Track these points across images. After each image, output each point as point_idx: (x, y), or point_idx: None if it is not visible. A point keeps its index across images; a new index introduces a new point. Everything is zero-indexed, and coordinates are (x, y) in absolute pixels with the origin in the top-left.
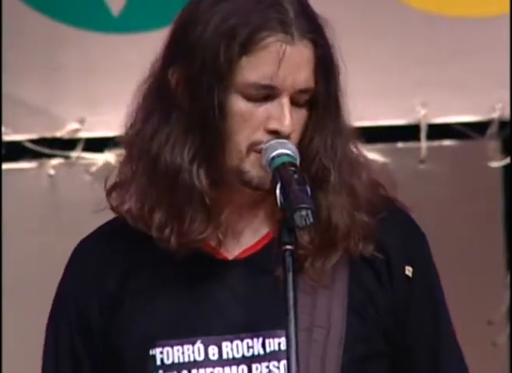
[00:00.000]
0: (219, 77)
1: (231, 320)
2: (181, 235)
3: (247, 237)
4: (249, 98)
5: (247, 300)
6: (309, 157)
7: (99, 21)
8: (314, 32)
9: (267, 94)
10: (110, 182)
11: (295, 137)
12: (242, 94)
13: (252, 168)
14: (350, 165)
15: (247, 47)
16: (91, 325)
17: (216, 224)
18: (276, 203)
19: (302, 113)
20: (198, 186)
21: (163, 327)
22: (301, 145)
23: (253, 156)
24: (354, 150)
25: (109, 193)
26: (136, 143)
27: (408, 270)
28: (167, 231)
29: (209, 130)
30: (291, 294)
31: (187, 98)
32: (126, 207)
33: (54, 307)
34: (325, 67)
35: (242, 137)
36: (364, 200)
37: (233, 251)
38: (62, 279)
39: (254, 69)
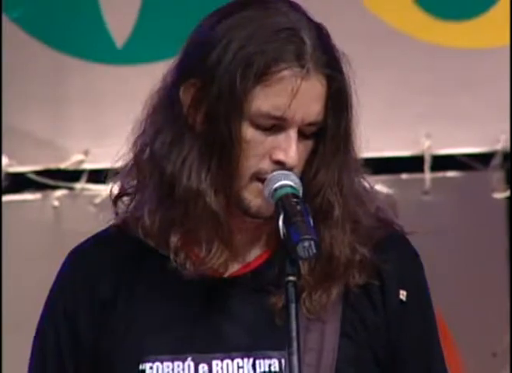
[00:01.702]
0: (234, 104)
1: (223, 338)
2: (198, 261)
3: (245, 255)
4: (258, 126)
5: (241, 319)
6: (314, 190)
7: (103, 52)
8: (330, 66)
9: (276, 124)
10: (115, 188)
11: (298, 166)
12: (252, 122)
13: (252, 196)
14: (356, 200)
15: (263, 77)
16: (80, 333)
17: (231, 249)
18: (278, 229)
19: (307, 144)
20: (216, 211)
21: (154, 341)
22: (306, 178)
23: (254, 185)
24: (361, 183)
25: (115, 200)
26: (146, 157)
27: (402, 295)
28: (182, 255)
29: (224, 156)
30: (294, 326)
31: (201, 121)
32: (136, 219)
33: (43, 315)
34: (337, 101)
35: (247, 165)
36: (366, 232)
37: (230, 268)
38: (53, 285)
39: (267, 99)
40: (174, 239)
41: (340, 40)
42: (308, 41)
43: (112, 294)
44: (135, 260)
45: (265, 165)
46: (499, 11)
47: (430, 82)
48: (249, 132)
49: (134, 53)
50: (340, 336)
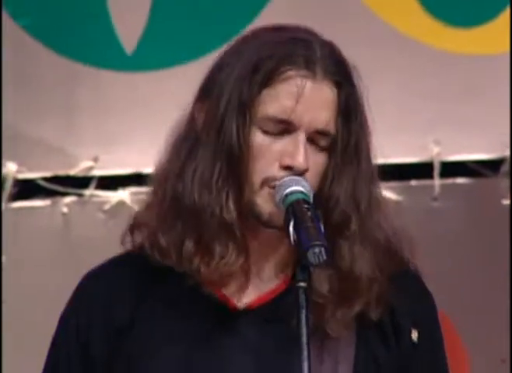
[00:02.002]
0: (242, 110)
1: (233, 365)
2: (211, 267)
3: (261, 285)
4: (266, 132)
5: (257, 351)
6: (330, 205)
7: (112, 59)
8: (339, 75)
9: (284, 128)
10: (131, 220)
11: (313, 180)
12: (260, 127)
13: (264, 202)
14: (372, 212)
15: (269, 79)
16: (93, 355)
17: (246, 257)
18: (291, 243)
19: (321, 157)
20: (227, 219)
21: (167, 362)
22: (322, 192)
23: (265, 191)
24: (377, 194)
25: (131, 230)
26: (162, 180)
27: (414, 335)
28: (196, 261)
29: (233, 163)
30: (304, 331)
31: (211, 132)
32: (151, 241)
33: (56, 334)
34: (348, 112)
35: (257, 171)
36: (383, 260)
37: (246, 299)
38: (66, 305)
39: (273, 102)
40: (188, 248)
41: (348, 46)
42: (319, 50)
43: (128, 318)
44: (151, 282)
45: (275, 171)
46: (507, 17)
47: (439, 88)
48: (258, 138)
49: (143, 59)
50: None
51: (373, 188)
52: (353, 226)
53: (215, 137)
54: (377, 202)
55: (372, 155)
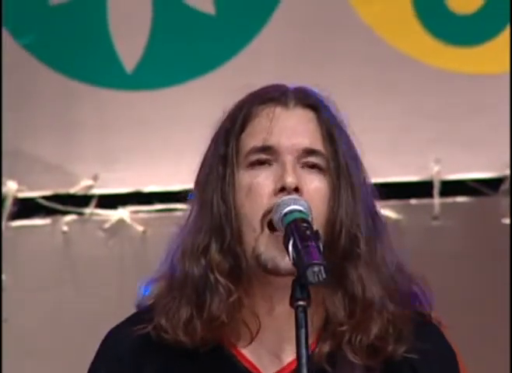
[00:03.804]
0: (224, 158)
1: None
2: (203, 322)
3: (286, 353)
4: (252, 165)
5: None
6: (336, 228)
7: (112, 77)
8: (313, 101)
9: (267, 158)
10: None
11: (319, 204)
12: (246, 166)
13: (266, 248)
14: (380, 239)
15: (245, 123)
16: None
17: (236, 308)
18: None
19: (317, 180)
20: (210, 278)
21: None
22: (328, 216)
23: (266, 234)
24: (378, 215)
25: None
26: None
27: None
28: (192, 323)
29: (230, 212)
30: (303, 351)
31: (200, 187)
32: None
33: None
34: (330, 134)
35: (255, 210)
36: (396, 292)
37: (271, 368)
38: (92, 363)
39: (250, 137)
40: (184, 313)
41: (350, 66)
42: (291, 90)
43: None
44: (172, 352)
45: (273, 200)
46: (507, 37)
47: (439, 107)
48: (246, 177)
49: (143, 78)
50: None
51: (373, 208)
52: (360, 250)
53: (201, 192)
54: (380, 223)
55: (365, 176)
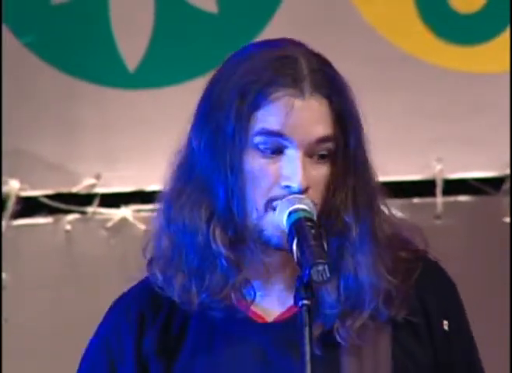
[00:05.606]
0: (231, 137)
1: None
2: (201, 295)
3: (286, 299)
4: (262, 152)
5: (277, 367)
6: (332, 213)
7: (115, 76)
8: (328, 87)
9: (278, 146)
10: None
11: (317, 193)
12: (254, 150)
13: (270, 227)
14: (375, 222)
15: (257, 102)
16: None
17: (235, 285)
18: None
19: (323, 169)
20: (213, 248)
21: None
22: (325, 201)
23: (271, 214)
24: (380, 205)
25: (149, 265)
26: (162, 211)
27: (446, 325)
28: (188, 292)
29: (225, 191)
30: (307, 349)
31: (204, 159)
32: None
33: (84, 362)
34: (343, 121)
35: (259, 195)
36: (390, 260)
37: (273, 314)
38: (95, 333)
39: (262, 121)
40: (180, 279)
41: (352, 65)
42: (306, 67)
43: (154, 345)
44: (174, 310)
45: (277, 192)
46: (507, 36)
47: (442, 106)
48: (254, 162)
49: (146, 77)
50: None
51: (374, 196)
52: (354, 235)
53: (206, 164)
54: (378, 209)
55: (371, 164)
